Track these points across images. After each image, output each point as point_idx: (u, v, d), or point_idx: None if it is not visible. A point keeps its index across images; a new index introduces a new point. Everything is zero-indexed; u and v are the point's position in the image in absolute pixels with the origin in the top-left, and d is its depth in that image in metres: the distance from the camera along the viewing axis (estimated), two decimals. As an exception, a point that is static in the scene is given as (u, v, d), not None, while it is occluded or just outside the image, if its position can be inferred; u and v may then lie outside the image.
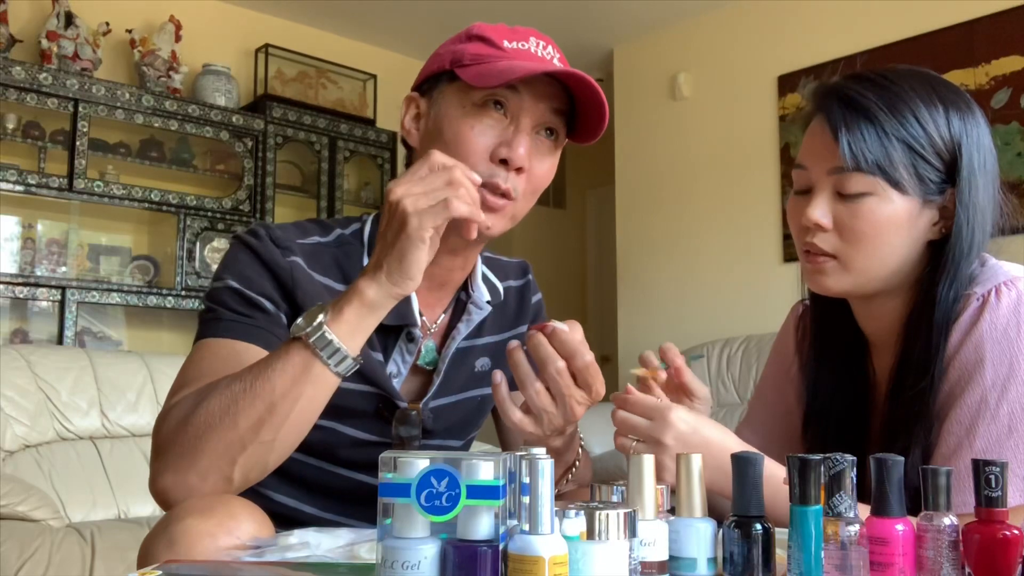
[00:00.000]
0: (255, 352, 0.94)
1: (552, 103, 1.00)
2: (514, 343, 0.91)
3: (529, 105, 0.99)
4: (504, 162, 0.98)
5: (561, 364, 0.87)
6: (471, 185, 0.84)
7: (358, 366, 0.86)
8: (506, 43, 1.01)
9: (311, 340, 0.83)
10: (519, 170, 0.99)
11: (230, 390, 0.84)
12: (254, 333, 0.96)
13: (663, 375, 1.00)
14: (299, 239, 1.04)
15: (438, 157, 0.85)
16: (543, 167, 1.02)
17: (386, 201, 0.84)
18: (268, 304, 0.98)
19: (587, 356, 0.87)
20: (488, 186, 0.97)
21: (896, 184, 0.95)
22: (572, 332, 0.88)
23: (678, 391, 1.01)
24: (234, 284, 0.98)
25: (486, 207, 0.97)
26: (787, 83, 3.92)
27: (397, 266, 0.83)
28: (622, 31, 4.50)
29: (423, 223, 0.81)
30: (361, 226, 1.10)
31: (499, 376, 0.92)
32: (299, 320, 0.85)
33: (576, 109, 1.02)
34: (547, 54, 1.02)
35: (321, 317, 0.84)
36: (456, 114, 1.00)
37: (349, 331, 0.84)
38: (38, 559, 2.04)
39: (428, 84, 1.05)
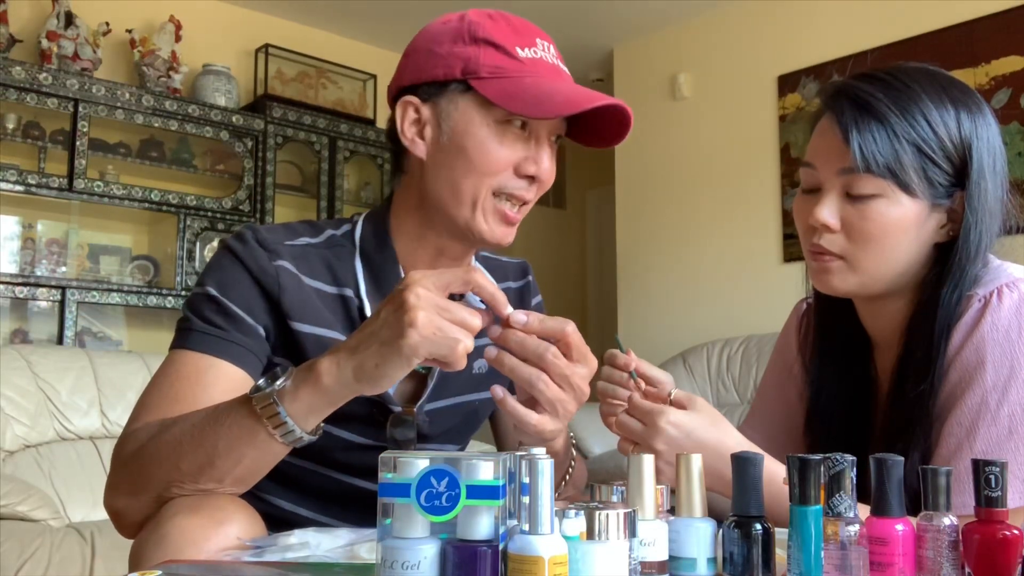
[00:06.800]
0: (223, 369, 0.93)
1: None
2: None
3: (549, 120, 1.00)
4: (531, 177, 1.00)
5: (554, 348, 0.84)
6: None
7: (314, 439, 0.83)
8: (519, 51, 0.98)
9: (259, 409, 0.79)
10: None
11: (181, 431, 0.84)
12: (225, 348, 0.94)
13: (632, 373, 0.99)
14: (287, 241, 1.02)
15: (475, 282, 0.80)
16: (553, 171, 1.04)
17: (402, 288, 0.77)
18: (245, 315, 0.96)
19: (568, 326, 0.84)
20: (513, 197, 1.00)
21: (905, 187, 0.94)
22: (533, 317, 0.84)
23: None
24: (212, 292, 0.97)
25: (508, 221, 1.01)
26: (787, 83, 3.92)
27: (372, 370, 0.77)
28: (622, 31, 4.50)
29: (419, 350, 0.76)
30: (352, 227, 1.08)
31: (500, 390, 0.89)
32: (260, 380, 0.81)
33: (582, 114, 1.00)
34: (553, 58, 1.02)
35: (276, 385, 0.79)
36: (481, 132, 0.98)
37: (303, 411, 0.80)
38: (38, 559, 2.04)
39: (431, 89, 1.00)
